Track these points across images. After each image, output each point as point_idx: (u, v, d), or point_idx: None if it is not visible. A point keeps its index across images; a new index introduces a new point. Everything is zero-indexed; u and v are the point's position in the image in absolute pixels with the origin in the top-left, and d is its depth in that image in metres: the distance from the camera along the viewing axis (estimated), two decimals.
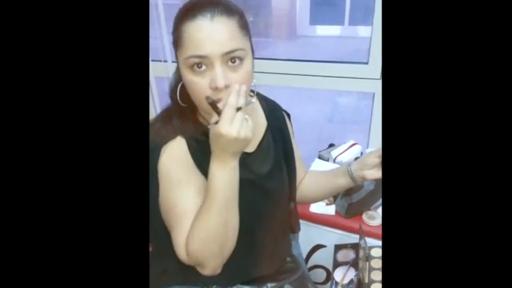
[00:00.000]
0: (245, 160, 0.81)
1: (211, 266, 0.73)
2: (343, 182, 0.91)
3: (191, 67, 0.66)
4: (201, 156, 0.74)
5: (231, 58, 0.66)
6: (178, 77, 0.75)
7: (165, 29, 1.62)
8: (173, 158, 0.74)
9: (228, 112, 0.63)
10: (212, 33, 0.64)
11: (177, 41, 0.68)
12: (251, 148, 0.84)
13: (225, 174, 0.67)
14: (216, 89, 0.66)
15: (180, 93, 0.75)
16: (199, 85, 0.67)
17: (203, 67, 0.66)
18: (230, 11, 0.67)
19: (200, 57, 0.65)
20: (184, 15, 0.66)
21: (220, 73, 0.65)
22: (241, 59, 0.67)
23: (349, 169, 0.89)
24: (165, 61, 1.69)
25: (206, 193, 0.70)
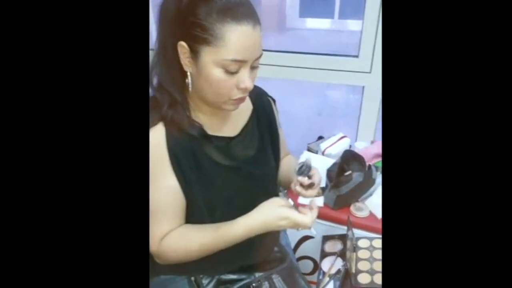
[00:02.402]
0: (229, 145, 0.82)
1: (169, 263, 0.80)
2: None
3: (224, 67, 0.69)
4: (180, 150, 0.75)
5: (254, 66, 0.73)
6: (179, 69, 0.73)
7: None
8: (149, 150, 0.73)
9: (312, 214, 0.75)
10: (254, 41, 0.69)
11: (210, 39, 0.67)
12: (234, 132, 0.84)
13: (244, 232, 0.75)
14: (243, 89, 0.72)
15: (182, 84, 0.75)
16: (227, 83, 0.71)
17: (236, 69, 0.70)
18: (259, 20, 0.70)
19: (240, 61, 0.69)
20: (224, 15, 0.65)
21: (249, 76, 0.72)
22: (258, 66, 0.74)
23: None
24: None
25: (217, 228, 0.76)
